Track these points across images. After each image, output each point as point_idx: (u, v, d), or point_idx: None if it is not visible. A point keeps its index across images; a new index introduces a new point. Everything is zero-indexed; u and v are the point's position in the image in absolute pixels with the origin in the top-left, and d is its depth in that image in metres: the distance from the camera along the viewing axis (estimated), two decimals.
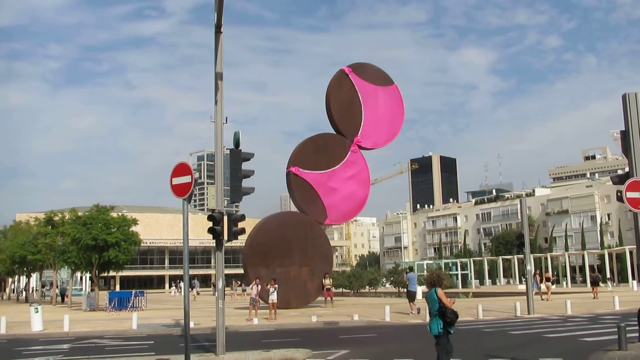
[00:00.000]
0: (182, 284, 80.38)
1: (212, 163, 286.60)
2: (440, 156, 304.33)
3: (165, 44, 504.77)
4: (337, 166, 37.55)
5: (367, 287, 56.18)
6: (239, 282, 65.30)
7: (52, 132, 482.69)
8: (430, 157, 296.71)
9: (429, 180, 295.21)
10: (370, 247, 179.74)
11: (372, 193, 39.86)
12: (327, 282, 36.45)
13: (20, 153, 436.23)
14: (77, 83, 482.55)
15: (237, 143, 15.80)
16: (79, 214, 41.45)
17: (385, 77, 40.31)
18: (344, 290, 55.73)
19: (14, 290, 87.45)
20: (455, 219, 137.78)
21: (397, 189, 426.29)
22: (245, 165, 16.12)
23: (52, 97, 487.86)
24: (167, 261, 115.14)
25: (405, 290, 51.24)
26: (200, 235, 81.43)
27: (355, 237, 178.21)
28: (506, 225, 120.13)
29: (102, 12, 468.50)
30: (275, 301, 27.98)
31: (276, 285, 28.38)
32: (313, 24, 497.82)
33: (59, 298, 54.97)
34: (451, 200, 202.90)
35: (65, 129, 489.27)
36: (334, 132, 38.38)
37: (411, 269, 39.88)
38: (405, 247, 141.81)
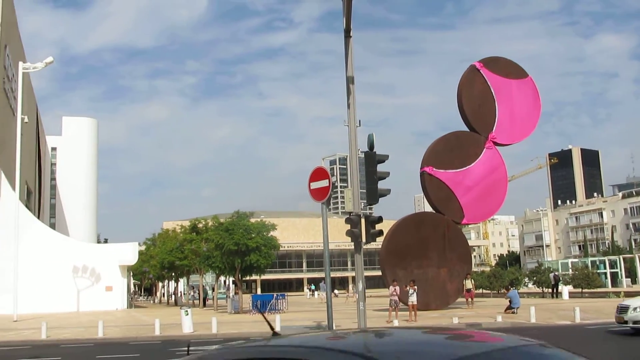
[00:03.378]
0: (311, 287, 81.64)
1: (345, 167, 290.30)
2: (581, 149, 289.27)
3: (294, 53, 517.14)
4: (472, 164, 36.68)
5: (508, 287, 54.42)
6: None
7: (192, 144, 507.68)
8: (569, 151, 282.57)
9: (570, 174, 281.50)
10: (509, 246, 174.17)
11: (509, 190, 38.49)
12: (469, 283, 35.72)
13: (165, 165, 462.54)
14: (213, 96, 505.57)
15: (371, 145, 15.82)
16: (221, 220, 43.21)
17: (519, 70, 38.89)
18: (484, 290, 54.32)
19: (163, 294, 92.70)
20: (601, 215, 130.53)
21: (536, 185, 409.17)
22: (379, 167, 16.10)
23: (191, 111, 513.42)
24: (304, 264, 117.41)
25: (550, 290, 49.56)
26: (335, 238, 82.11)
27: (493, 236, 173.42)
28: None
29: (234, 27, 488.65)
30: (415, 303, 27.75)
31: (415, 287, 28.15)
32: (440, 22, 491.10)
33: (206, 301, 57.46)
34: (595, 194, 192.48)
35: (204, 139, 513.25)
36: (467, 129, 37.54)
37: (511, 284, 38.97)
38: (547, 246, 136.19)
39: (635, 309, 19.22)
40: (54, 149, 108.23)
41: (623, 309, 19.77)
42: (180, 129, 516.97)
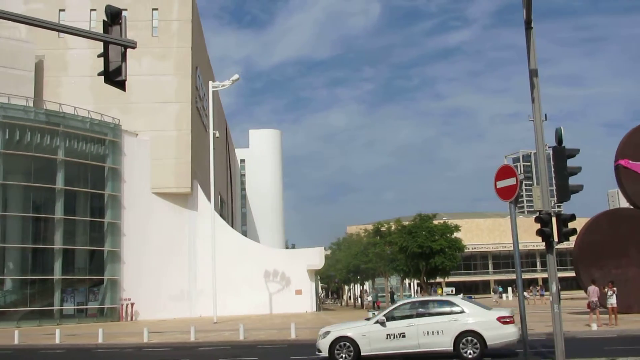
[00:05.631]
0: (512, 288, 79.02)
1: (528, 164, 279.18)
2: None
3: (470, 51, 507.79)
4: None
5: None
6: (538, 287, 63.47)
7: (372, 148, 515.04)
8: None
9: None
10: None
11: None
12: None
13: (348, 170, 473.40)
14: (390, 100, 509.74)
15: (559, 140, 15.03)
16: (404, 223, 43.29)
17: None
18: None
19: (350, 297, 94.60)
20: None
21: None
22: (569, 162, 15.26)
23: (369, 116, 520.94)
24: (490, 266, 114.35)
25: None
26: (521, 238, 78.96)
27: None
28: None
29: (408, 31, 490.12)
30: (615, 305, 25.93)
31: (614, 288, 26.30)
32: (628, 4, 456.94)
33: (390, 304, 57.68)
34: None
35: (383, 143, 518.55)
36: None
37: None
38: None
39: (321, 335, 17.63)
40: (242, 160, 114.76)
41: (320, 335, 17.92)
42: (360, 134, 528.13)
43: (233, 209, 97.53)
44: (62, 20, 51.56)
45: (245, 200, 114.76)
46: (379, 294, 62.22)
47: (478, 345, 16.29)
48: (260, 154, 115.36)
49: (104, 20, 13.06)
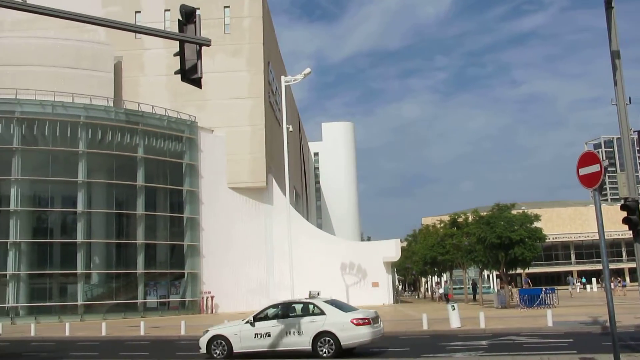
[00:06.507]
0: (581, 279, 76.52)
1: (611, 150, 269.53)
2: None
3: (546, 36, 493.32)
4: None
5: None
6: (619, 278, 61.00)
7: (447, 138, 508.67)
8: None
9: None
10: None
11: None
12: None
13: (422, 161, 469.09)
14: (464, 89, 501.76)
15: None
16: (482, 213, 42.47)
17: None
18: None
19: (427, 289, 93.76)
20: None
21: None
22: None
23: (443, 106, 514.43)
24: (572, 256, 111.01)
25: None
26: (605, 227, 76.52)
27: None
28: None
29: (480, 17, 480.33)
30: None
31: None
32: None
33: (470, 296, 56.88)
34: None
35: (459, 133, 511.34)
36: None
37: None
38: None
39: (203, 333, 19.17)
40: (316, 154, 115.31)
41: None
42: (434, 124, 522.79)
43: (308, 202, 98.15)
44: (139, 21, 53.05)
45: (320, 194, 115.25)
46: (454, 286, 61.40)
47: (334, 345, 17.36)
48: (334, 146, 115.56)
49: (179, 20, 13.29)
